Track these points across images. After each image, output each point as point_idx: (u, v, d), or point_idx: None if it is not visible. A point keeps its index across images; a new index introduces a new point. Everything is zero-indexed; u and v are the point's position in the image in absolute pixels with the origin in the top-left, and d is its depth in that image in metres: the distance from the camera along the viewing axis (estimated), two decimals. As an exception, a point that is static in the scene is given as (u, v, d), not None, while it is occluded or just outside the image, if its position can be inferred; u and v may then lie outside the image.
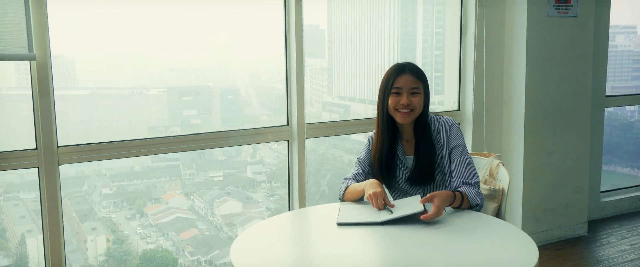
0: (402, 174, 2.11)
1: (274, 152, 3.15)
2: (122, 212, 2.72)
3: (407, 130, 2.11)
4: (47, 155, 2.31)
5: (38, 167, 2.32)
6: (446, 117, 2.13)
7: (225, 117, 2.94)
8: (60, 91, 2.44)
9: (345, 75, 3.33)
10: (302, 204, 2.91)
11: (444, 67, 3.65)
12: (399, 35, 3.47)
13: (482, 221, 1.85)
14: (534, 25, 3.33)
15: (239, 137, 2.78)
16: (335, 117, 3.29)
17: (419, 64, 3.61)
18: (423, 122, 2.09)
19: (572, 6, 3.43)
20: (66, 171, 2.50)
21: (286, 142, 2.92)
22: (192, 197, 2.94)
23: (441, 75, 3.72)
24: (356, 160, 2.20)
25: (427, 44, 3.65)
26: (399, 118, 2.05)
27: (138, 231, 2.77)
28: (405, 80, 2.04)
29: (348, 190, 2.09)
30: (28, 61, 2.31)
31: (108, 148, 2.47)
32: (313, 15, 3.06)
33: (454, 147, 2.07)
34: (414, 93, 2.04)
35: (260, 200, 3.11)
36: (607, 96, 4.03)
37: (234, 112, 3.00)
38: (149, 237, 2.79)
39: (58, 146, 2.36)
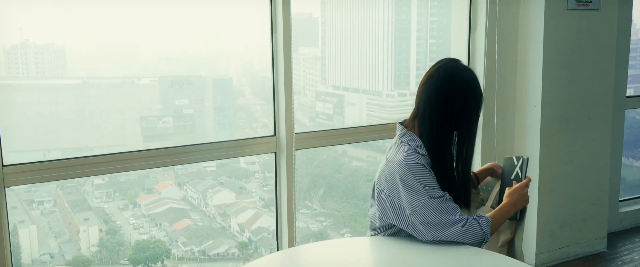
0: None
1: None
2: (115, 202, 2.70)
3: None
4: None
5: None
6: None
7: (217, 106, 2.92)
8: (51, 80, 2.42)
9: (339, 64, 3.31)
10: (291, 231, 2.70)
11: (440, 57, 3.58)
12: (394, 23, 3.45)
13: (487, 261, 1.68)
14: (551, 19, 3.04)
15: (220, 150, 2.58)
16: (329, 107, 3.28)
17: (413, 53, 3.63)
18: None
19: None
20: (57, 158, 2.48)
21: (273, 154, 2.71)
22: (185, 187, 2.93)
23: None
24: (438, 195, 1.71)
25: (421, 33, 3.63)
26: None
27: (131, 222, 2.76)
28: None
29: (492, 224, 1.76)
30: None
31: (64, 166, 2.21)
32: (306, 3, 3.03)
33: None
34: None
35: (253, 190, 3.10)
36: (628, 97, 3.73)
37: (227, 101, 2.98)
38: (141, 227, 2.78)
39: (3, 166, 2.10)
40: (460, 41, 3.29)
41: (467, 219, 1.73)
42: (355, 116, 3.34)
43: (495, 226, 1.79)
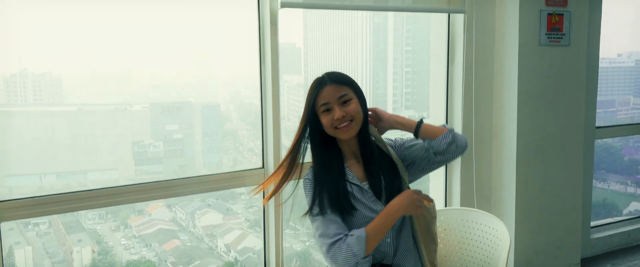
0: (366, 198, 1.84)
1: (252, 164, 3.28)
2: (107, 223, 2.81)
3: (351, 147, 1.87)
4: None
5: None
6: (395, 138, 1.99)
7: (206, 131, 3.06)
8: (48, 107, 2.54)
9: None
10: (278, 252, 2.75)
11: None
12: (371, 53, 3.65)
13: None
14: (525, 54, 3.17)
15: (210, 183, 2.65)
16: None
17: (389, 80, 3.83)
18: (368, 134, 1.87)
19: (564, 35, 3.29)
20: (53, 183, 2.59)
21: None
22: (174, 209, 3.04)
23: (411, 91, 3.90)
24: (317, 217, 1.76)
25: (397, 62, 3.83)
26: (340, 134, 1.81)
27: (122, 242, 2.86)
28: (329, 91, 1.80)
29: (369, 239, 1.70)
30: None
31: (58, 201, 2.27)
32: (290, 33, 3.20)
33: (412, 145, 1.93)
34: (345, 102, 1.80)
35: (239, 211, 3.22)
36: (597, 127, 3.89)
37: (214, 126, 3.12)
38: (132, 248, 2.88)
39: None
40: (439, 73, 3.40)
41: (336, 241, 1.69)
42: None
43: (373, 235, 1.71)
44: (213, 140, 3.05)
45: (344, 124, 1.80)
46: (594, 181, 4.00)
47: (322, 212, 1.77)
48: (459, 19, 3.24)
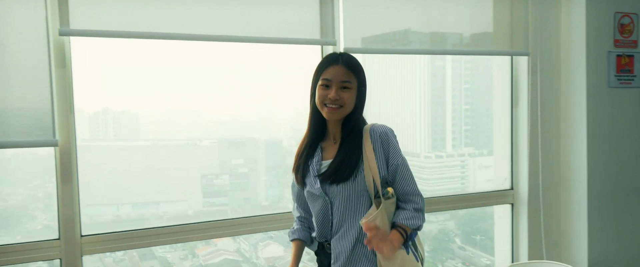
0: (310, 179, 1.93)
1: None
2: (177, 252, 2.95)
3: (335, 129, 1.93)
4: (69, 246, 2.28)
5: (60, 259, 2.29)
6: (380, 124, 1.94)
7: (268, 165, 3.19)
8: (125, 142, 2.75)
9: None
10: None
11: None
12: (430, 90, 3.70)
13: None
14: (594, 97, 3.09)
15: (273, 222, 2.80)
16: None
17: (448, 117, 3.85)
18: (352, 123, 1.88)
19: (635, 76, 3.20)
20: (129, 212, 2.77)
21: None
22: (238, 239, 3.16)
23: (471, 128, 3.90)
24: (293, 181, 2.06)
25: (456, 99, 3.85)
26: (325, 113, 1.87)
27: (190, 271, 2.99)
28: (337, 71, 1.85)
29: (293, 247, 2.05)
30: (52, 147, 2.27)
31: (135, 237, 2.47)
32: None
33: (396, 166, 1.87)
34: (344, 87, 1.84)
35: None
36: None
37: (277, 161, 3.25)
38: (199, 276, 3.00)
39: (81, 236, 2.34)
40: (502, 114, 3.39)
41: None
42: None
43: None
44: (275, 174, 3.17)
45: (333, 106, 1.85)
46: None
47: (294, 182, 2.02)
48: (522, 60, 3.23)
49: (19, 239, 2.43)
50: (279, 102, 3.24)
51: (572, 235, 3.21)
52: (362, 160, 1.85)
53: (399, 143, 1.94)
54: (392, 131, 1.92)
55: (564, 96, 3.23)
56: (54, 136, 2.27)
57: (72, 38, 2.32)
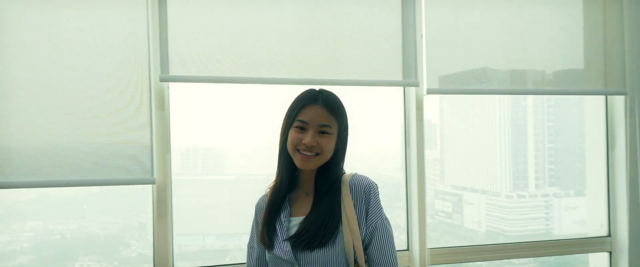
0: (279, 241, 1.59)
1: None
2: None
3: (308, 179, 1.64)
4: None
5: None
6: (362, 175, 1.66)
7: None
8: (212, 177, 2.92)
9: (457, 165, 3.54)
10: None
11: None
12: (510, 128, 3.64)
13: None
14: None
15: None
16: (448, 205, 3.48)
17: (531, 156, 3.75)
18: (331, 174, 1.61)
19: None
20: (213, 243, 2.92)
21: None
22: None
23: (555, 168, 3.77)
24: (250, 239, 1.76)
25: (538, 138, 3.75)
26: (297, 161, 1.59)
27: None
28: (315, 113, 1.57)
29: None
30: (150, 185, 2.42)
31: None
32: (426, 111, 3.35)
33: (374, 227, 1.58)
34: (323, 132, 1.57)
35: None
36: None
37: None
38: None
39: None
40: (597, 155, 3.25)
41: None
42: (474, 215, 3.49)
43: None
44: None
45: (309, 154, 1.58)
46: None
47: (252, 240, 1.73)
48: (619, 100, 3.11)
49: (116, 264, 2.64)
50: (356, 138, 3.30)
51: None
52: (342, 220, 1.55)
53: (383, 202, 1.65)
54: (377, 186, 1.66)
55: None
56: (152, 174, 2.43)
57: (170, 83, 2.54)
